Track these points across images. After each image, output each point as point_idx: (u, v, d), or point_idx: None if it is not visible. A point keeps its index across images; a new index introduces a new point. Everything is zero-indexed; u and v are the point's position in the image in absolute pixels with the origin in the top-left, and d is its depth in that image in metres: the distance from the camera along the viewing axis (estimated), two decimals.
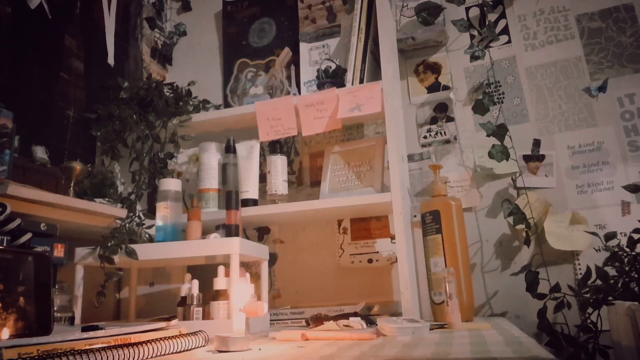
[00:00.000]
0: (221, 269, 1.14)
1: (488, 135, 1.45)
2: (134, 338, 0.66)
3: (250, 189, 1.41)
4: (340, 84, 1.40)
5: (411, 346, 0.72)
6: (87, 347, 0.54)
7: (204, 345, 0.74)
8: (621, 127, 1.41)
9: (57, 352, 0.50)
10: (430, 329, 0.94)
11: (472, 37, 1.60)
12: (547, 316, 1.30)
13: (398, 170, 1.25)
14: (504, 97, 1.53)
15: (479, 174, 1.50)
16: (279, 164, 1.42)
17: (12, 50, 1.21)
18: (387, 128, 1.29)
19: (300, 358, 0.62)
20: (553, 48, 1.52)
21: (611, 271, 1.14)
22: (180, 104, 1.50)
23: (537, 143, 1.47)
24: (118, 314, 1.51)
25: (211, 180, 1.43)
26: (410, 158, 1.57)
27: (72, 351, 0.50)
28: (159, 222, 1.22)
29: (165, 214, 1.22)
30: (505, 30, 1.58)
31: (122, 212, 1.26)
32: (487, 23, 1.57)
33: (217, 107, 1.59)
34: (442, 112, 1.58)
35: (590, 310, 1.21)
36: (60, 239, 1.02)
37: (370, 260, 1.50)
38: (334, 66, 1.49)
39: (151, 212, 1.38)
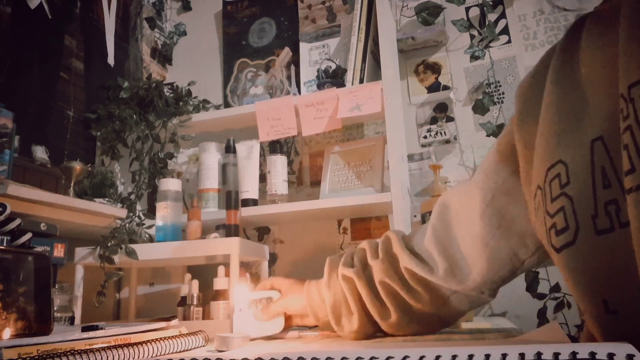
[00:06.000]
0: (221, 269, 1.13)
1: (488, 135, 1.45)
2: (134, 338, 0.66)
3: (250, 189, 1.41)
4: (340, 84, 1.40)
5: (412, 340, 0.72)
6: (87, 347, 0.54)
7: (204, 345, 0.74)
8: None
9: (57, 352, 0.50)
10: None
11: (472, 37, 1.60)
12: (547, 316, 1.30)
13: (398, 170, 1.25)
14: (504, 97, 1.53)
15: None
16: (279, 164, 1.42)
17: (12, 50, 1.21)
18: (387, 128, 1.29)
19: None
20: None
21: None
22: (180, 104, 1.50)
23: None
24: (118, 314, 1.51)
25: (211, 180, 1.43)
26: (410, 158, 1.57)
27: (72, 351, 0.50)
28: (159, 222, 1.22)
29: (165, 214, 1.22)
30: (505, 30, 1.58)
31: (122, 212, 1.26)
32: (487, 23, 1.57)
33: (217, 107, 1.59)
34: (442, 112, 1.58)
35: None
36: (60, 239, 1.02)
37: None
38: (334, 66, 1.49)
39: (151, 212, 1.38)
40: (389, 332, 0.71)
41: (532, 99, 0.52)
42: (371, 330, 0.71)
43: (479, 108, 1.49)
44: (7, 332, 0.57)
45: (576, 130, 0.44)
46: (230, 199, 1.22)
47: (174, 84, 1.54)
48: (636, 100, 0.38)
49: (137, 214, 1.30)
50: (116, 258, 1.13)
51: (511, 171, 0.57)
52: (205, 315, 1.12)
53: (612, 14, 0.44)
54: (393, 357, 0.36)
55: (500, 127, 1.45)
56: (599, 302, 0.41)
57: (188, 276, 1.18)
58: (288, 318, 0.82)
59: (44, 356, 0.48)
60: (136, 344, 0.58)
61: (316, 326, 0.80)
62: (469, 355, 0.34)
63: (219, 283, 1.11)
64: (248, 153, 1.44)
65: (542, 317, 1.30)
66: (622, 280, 0.39)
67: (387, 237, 0.71)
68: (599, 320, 0.42)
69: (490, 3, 1.59)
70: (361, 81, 1.38)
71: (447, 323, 0.71)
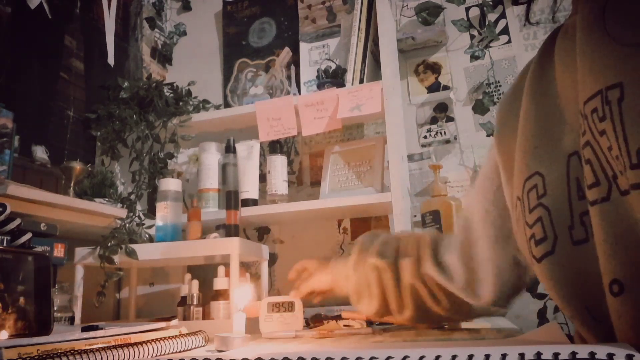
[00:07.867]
0: (221, 269, 1.13)
1: (488, 135, 1.45)
2: (134, 338, 0.66)
3: (250, 189, 1.41)
4: (340, 84, 1.40)
5: (412, 340, 0.72)
6: (87, 347, 0.54)
7: (204, 345, 0.74)
8: None
9: (57, 352, 0.50)
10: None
11: (472, 37, 1.60)
12: (547, 316, 1.30)
13: (398, 170, 1.25)
14: None
15: None
16: (279, 164, 1.42)
17: (12, 50, 1.21)
18: (387, 128, 1.29)
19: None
20: None
21: None
22: (180, 104, 1.50)
23: None
24: (118, 314, 1.51)
25: (211, 180, 1.43)
26: (410, 158, 1.57)
27: (72, 351, 0.50)
28: (159, 222, 1.22)
29: (165, 214, 1.22)
30: (505, 30, 1.58)
31: (122, 212, 1.26)
32: (487, 23, 1.57)
33: (217, 107, 1.59)
34: (442, 112, 1.58)
35: None
36: (60, 239, 1.02)
37: None
38: (334, 66, 1.49)
39: (151, 212, 1.38)
40: (400, 323, 0.77)
41: (511, 112, 0.53)
42: (386, 315, 0.78)
43: (479, 108, 1.49)
44: (7, 332, 0.57)
45: (552, 143, 0.46)
46: (230, 199, 1.22)
47: (174, 84, 1.54)
48: (588, 116, 0.39)
49: (137, 214, 1.30)
50: (116, 258, 1.13)
51: (499, 184, 0.58)
52: (205, 315, 1.12)
53: (573, 29, 0.45)
54: (393, 357, 0.36)
55: None
56: (583, 308, 0.42)
57: (188, 276, 1.18)
58: (318, 294, 0.92)
59: (44, 356, 0.48)
60: (136, 344, 0.58)
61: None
62: (469, 356, 0.34)
63: (219, 283, 1.11)
64: (248, 153, 1.44)
65: (542, 317, 1.30)
66: (599, 289, 0.39)
67: (421, 238, 0.74)
68: (587, 326, 0.42)
69: (490, 3, 1.58)
70: (361, 81, 1.38)
71: (461, 320, 0.77)
